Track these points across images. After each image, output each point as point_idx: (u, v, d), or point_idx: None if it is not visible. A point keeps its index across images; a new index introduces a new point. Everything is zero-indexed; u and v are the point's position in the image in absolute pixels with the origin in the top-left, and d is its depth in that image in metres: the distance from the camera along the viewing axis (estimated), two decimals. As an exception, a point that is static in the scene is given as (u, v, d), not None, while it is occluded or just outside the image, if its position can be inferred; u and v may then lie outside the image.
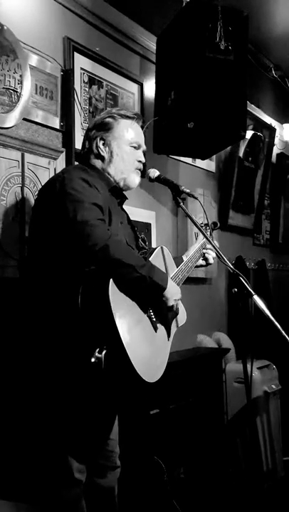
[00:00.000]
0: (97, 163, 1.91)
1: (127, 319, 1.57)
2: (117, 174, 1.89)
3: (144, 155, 1.98)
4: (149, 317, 1.73)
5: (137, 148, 1.93)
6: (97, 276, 1.56)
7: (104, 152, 1.89)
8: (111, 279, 1.54)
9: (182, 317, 2.00)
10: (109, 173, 1.89)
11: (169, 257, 2.00)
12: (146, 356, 1.65)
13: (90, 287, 1.55)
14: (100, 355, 1.47)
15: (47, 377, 1.70)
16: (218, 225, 2.34)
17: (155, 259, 1.88)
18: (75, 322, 1.55)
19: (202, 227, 2.10)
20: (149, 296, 1.69)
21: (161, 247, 1.98)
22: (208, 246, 2.16)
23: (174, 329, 1.91)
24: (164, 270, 1.89)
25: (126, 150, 1.90)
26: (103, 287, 1.52)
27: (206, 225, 2.21)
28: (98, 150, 1.89)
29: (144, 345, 1.65)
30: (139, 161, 1.93)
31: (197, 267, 2.20)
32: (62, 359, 1.62)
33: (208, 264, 2.21)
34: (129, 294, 1.61)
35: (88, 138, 1.94)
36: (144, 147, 1.96)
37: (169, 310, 1.80)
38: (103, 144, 1.89)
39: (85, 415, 1.70)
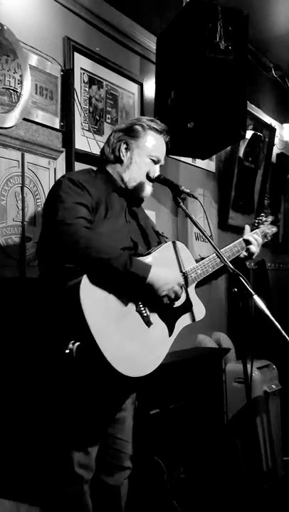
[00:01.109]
0: (112, 165, 1.96)
1: (103, 313, 1.60)
2: (130, 181, 1.94)
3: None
4: (139, 312, 1.72)
5: (156, 162, 1.97)
6: (72, 272, 1.61)
7: (124, 157, 1.94)
8: (85, 275, 1.58)
9: (198, 311, 1.93)
10: (122, 178, 1.94)
11: (183, 252, 1.96)
12: (129, 351, 1.65)
13: (66, 283, 1.62)
14: (72, 347, 1.55)
15: (37, 372, 1.79)
16: (269, 212, 2.30)
17: (162, 252, 1.86)
18: (56, 317, 1.66)
19: (266, 219, 2.17)
20: (128, 288, 1.67)
21: (174, 242, 1.95)
22: (251, 237, 2.10)
23: (179, 326, 1.87)
24: (173, 264, 1.87)
25: (145, 161, 1.94)
26: (76, 283, 1.58)
27: (270, 218, 2.23)
28: (119, 153, 1.94)
29: (126, 340, 1.66)
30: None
31: (240, 260, 2.12)
32: (45, 352, 1.72)
33: (250, 254, 2.12)
34: (106, 288, 1.63)
35: (113, 139, 1.98)
36: (162, 162, 2.01)
37: (161, 302, 1.74)
38: (126, 149, 1.94)
39: (77, 407, 1.72)
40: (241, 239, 2.11)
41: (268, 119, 4.66)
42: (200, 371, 3.09)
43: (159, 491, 2.52)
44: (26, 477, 2.09)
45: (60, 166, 2.53)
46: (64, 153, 2.56)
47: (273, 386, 3.53)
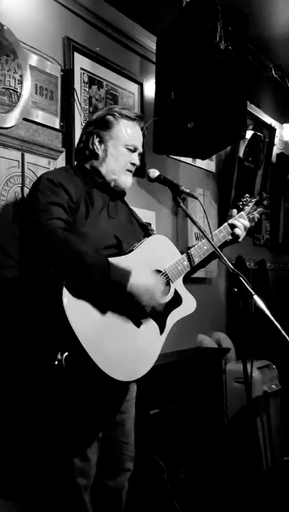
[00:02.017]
0: (88, 161, 1.90)
1: (88, 320, 1.56)
2: (108, 174, 1.88)
3: (144, 156, 1.97)
4: (127, 314, 1.68)
5: (133, 150, 1.91)
6: (52, 277, 1.57)
7: (98, 150, 1.88)
8: (64, 282, 1.54)
9: (187, 306, 1.90)
10: (100, 173, 1.88)
11: (167, 245, 1.92)
12: (120, 355, 1.62)
13: (47, 290, 1.59)
14: (60, 358, 1.51)
15: (33, 377, 1.74)
16: (264, 195, 2.27)
17: (144, 248, 1.81)
18: (41, 326, 1.61)
19: (250, 199, 2.11)
20: (110, 295, 1.61)
21: (157, 236, 1.92)
22: (236, 221, 2.05)
23: (171, 322, 1.83)
24: (156, 260, 1.83)
25: (121, 151, 1.88)
26: (58, 290, 1.53)
27: (254, 199, 2.16)
28: (93, 147, 1.89)
29: (116, 343, 1.62)
30: (132, 164, 1.91)
31: (225, 245, 2.07)
32: (37, 360, 1.66)
33: (236, 237, 2.04)
34: (87, 295, 1.58)
35: (86, 133, 1.93)
36: (140, 150, 1.94)
37: (143, 307, 1.69)
38: (99, 142, 1.89)
39: (74, 415, 1.69)
40: (226, 224, 2.07)
41: (267, 119, 4.66)
42: (200, 371, 3.09)
43: (159, 491, 2.51)
44: (26, 481, 2.09)
45: (60, 166, 2.52)
46: (64, 153, 2.56)
47: (273, 386, 3.53)
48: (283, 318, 1.76)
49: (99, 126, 1.90)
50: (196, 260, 1.94)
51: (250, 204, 2.15)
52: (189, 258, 1.92)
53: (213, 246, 1.81)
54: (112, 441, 1.88)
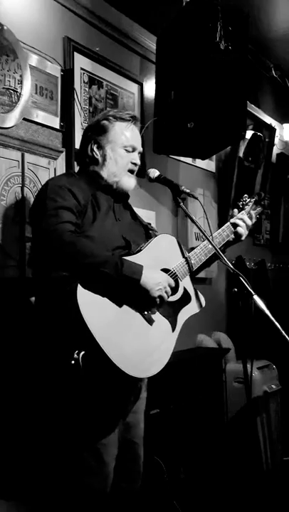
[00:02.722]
0: (90, 166, 1.93)
1: (103, 318, 1.59)
2: (110, 177, 1.90)
3: (144, 156, 1.98)
4: (140, 312, 1.71)
5: (132, 151, 1.92)
6: (64, 279, 1.60)
7: (98, 155, 1.90)
8: (78, 282, 1.57)
9: (197, 303, 1.93)
10: (101, 176, 1.90)
11: (174, 244, 1.94)
12: (135, 352, 1.64)
13: (61, 292, 1.61)
14: (77, 357, 1.53)
15: (43, 378, 1.75)
16: (262, 195, 2.26)
17: (152, 247, 1.84)
18: (55, 328, 1.64)
19: (249, 200, 2.13)
20: (123, 291, 1.65)
21: (163, 235, 1.94)
22: (239, 218, 2.08)
23: (182, 319, 1.87)
24: (164, 258, 1.86)
25: (120, 153, 1.90)
26: (72, 291, 1.56)
27: (253, 199, 2.18)
28: (92, 153, 1.91)
29: (131, 341, 1.65)
30: (133, 163, 1.93)
31: (229, 245, 2.10)
32: (48, 359, 1.69)
33: (239, 236, 2.07)
34: (102, 292, 1.61)
35: (83, 140, 1.96)
36: (139, 149, 1.96)
37: (154, 302, 1.72)
38: (97, 147, 1.91)
39: (84, 415, 1.69)
40: (229, 223, 2.09)
41: (267, 119, 4.66)
42: (200, 371, 3.10)
43: (159, 491, 2.51)
44: (26, 481, 2.09)
45: (60, 166, 2.52)
46: (64, 153, 2.56)
47: (273, 386, 3.53)
48: (283, 318, 1.76)
49: (95, 132, 1.92)
50: (203, 258, 1.96)
51: (250, 204, 2.17)
52: (196, 257, 1.94)
53: (214, 246, 1.82)
54: (128, 444, 1.87)
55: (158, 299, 1.72)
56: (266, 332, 1.63)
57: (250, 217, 2.14)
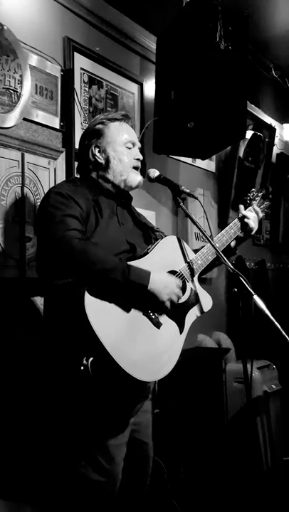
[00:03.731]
0: (94, 172, 1.93)
1: (111, 324, 1.58)
2: (116, 177, 1.90)
3: (143, 152, 1.99)
4: (147, 315, 1.71)
5: (132, 147, 1.94)
6: (72, 286, 1.60)
7: (101, 159, 1.91)
8: (85, 288, 1.56)
9: (204, 303, 1.92)
10: (107, 179, 1.91)
11: (180, 245, 1.94)
12: (143, 356, 1.64)
13: (68, 298, 1.61)
14: (86, 363, 1.53)
15: (48, 383, 1.75)
16: (270, 189, 2.24)
17: (158, 250, 1.84)
18: (64, 334, 1.64)
19: (257, 194, 2.12)
20: (131, 296, 1.65)
21: (169, 237, 1.93)
22: (247, 213, 2.06)
23: (189, 321, 1.86)
24: (171, 260, 1.86)
25: (122, 151, 1.91)
26: (79, 297, 1.55)
27: (261, 193, 2.17)
28: (95, 158, 1.91)
29: (139, 345, 1.64)
30: (137, 159, 1.94)
31: (239, 242, 2.10)
32: (60, 368, 1.67)
33: (249, 231, 2.06)
34: (109, 298, 1.60)
35: (82, 148, 1.96)
36: (138, 144, 1.97)
37: (162, 306, 1.71)
38: (99, 151, 1.91)
39: (93, 420, 1.68)
40: (236, 219, 2.08)
41: (267, 119, 4.66)
42: (200, 371, 3.09)
43: (159, 491, 2.51)
44: (27, 481, 2.09)
45: (60, 166, 2.53)
46: (64, 153, 2.56)
47: (273, 386, 3.53)
48: (283, 318, 1.76)
49: (92, 137, 1.93)
50: (210, 258, 1.95)
51: (257, 198, 2.16)
52: (203, 257, 1.94)
53: (213, 246, 1.81)
54: (138, 444, 1.87)
55: (168, 303, 1.72)
56: (266, 332, 1.62)
57: (258, 212, 2.13)
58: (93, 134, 1.93)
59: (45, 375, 1.81)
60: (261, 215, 2.14)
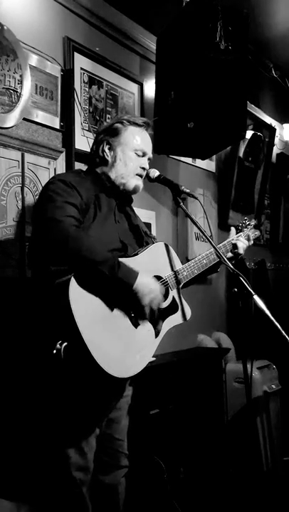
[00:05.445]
0: (99, 166, 1.95)
1: (91, 314, 1.61)
2: (117, 178, 1.92)
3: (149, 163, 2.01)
4: (127, 314, 1.73)
5: (142, 155, 1.96)
6: (61, 272, 1.62)
7: (108, 156, 1.93)
8: (73, 274, 1.59)
9: (183, 314, 1.96)
10: (109, 177, 1.93)
11: (170, 254, 1.98)
12: (116, 352, 1.66)
13: (55, 282, 1.63)
14: (59, 347, 1.55)
15: (30, 373, 1.82)
16: (262, 221, 2.39)
17: (148, 254, 1.87)
18: (45, 317, 1.67)
19: (249, 223, 2.27)
20: (115, 292, 1.67)
21: (161, 243, 1.96)
22: (238, 241, 2.18)
23: (166, 327, 1.89)
24: (159, 266, 1.89)
25: (130, 156, 1.93)
26: (65, 282, 1.58)
27: (253, 223, 2.32)
28: (103, 154, 1.94)
29: (114, 340, 1.67)
30: (142, 168, 1.95)
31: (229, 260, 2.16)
32: (36, 352, 1.72)
33: (237, 254, 2.18)
34: (94, 288, 1.63)
35: (96, 141, 1.99)
36: (149, 155, 1.99)
37: (142, 309, 1.74)
38: (109, 149, 1.94)
39: (70, 408, 1.72)
40: (230, 241, 2.17)
41: (267, 119, 4.66)
42: (200, 371, 3.09)
43: (159, 491, 2.52)
44: (25, 479, 2.09)
45: (60, 166, 2.53)
46: (64, 153, 2.56)
47: (273, 386, 3.53)
48: (283, 318, 1.76)
49: (108, 134, 1.96)
50: (196, 272, 2.02)
51: (249, 227, 2.29)
52: (188, 269, 1.99)
53: (213, 246, 1.82)
54: (107, 439, 1.92)
55: (147, 308, 1.74)
56: (266, 332, 1.63)
57: (248, 239, 2.25)
58: (110, 131, 1.96)
59: (24, 361, 1.84)
60: (250, 243, 2.25)
